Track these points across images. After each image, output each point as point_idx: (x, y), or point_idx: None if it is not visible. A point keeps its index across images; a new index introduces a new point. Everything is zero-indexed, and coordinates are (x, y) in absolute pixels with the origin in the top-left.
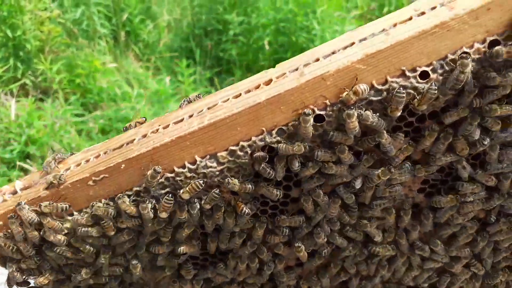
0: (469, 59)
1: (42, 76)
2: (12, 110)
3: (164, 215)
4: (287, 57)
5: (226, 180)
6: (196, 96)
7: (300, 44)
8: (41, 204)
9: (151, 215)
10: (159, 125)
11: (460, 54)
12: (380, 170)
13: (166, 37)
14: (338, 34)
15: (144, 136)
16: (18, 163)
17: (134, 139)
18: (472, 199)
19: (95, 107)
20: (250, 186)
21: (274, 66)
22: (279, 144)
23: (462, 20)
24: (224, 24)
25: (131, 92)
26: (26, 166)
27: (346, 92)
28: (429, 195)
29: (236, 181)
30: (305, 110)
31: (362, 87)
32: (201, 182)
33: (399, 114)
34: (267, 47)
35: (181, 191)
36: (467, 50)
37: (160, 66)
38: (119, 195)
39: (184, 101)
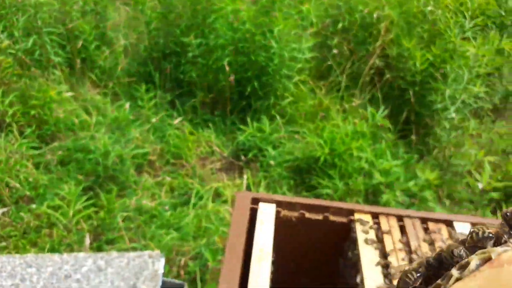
0: None
1: None
2: None
3: None
4: (248, 76)
5: None
6: None
7: (259, 62)
8: None
9: None
10: None
11: None
12: None
13: (123, 62)
14: (296, 52)
15: None
16: None
17: None
18: None
19: (52, 138)
20: None
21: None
22: None
23: None
24: (182, 47)
25: (90, 120)
26: None
27: None
28: None
29: None
30: None
31: None
32: None
33: None
34: (227, 67)
35: None
36: None
37: (119, 92)
38: None
39: None
